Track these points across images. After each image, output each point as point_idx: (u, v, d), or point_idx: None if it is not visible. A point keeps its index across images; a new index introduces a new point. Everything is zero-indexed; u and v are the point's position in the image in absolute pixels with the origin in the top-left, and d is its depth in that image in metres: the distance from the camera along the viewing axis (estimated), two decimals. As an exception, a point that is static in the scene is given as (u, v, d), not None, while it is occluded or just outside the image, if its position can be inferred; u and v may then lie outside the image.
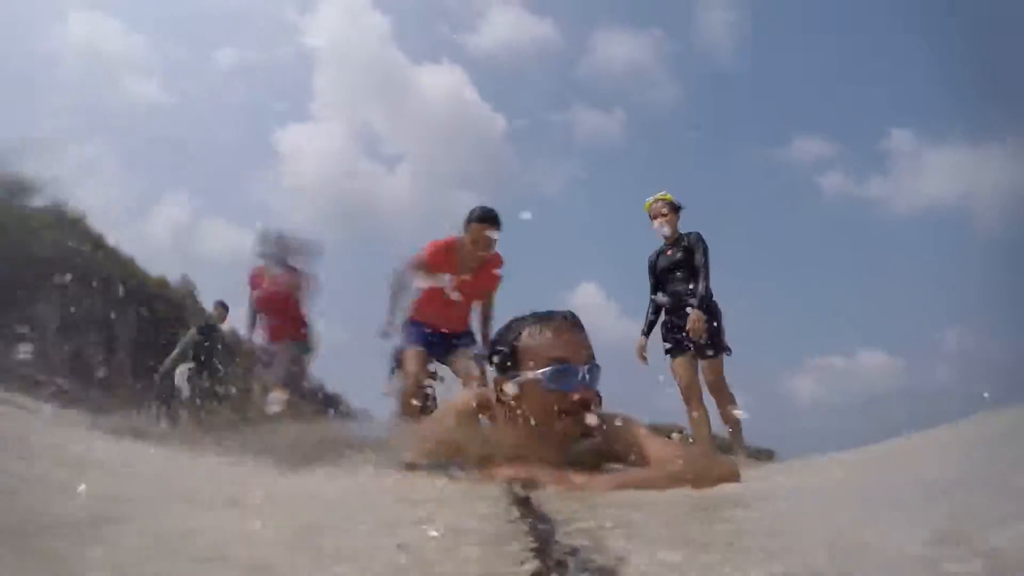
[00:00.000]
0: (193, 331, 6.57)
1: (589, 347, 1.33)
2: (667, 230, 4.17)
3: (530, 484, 1.10)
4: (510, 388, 1.30)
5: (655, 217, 4.20)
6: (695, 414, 3.97)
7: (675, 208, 4.23)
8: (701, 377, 4.02)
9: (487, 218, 3.61)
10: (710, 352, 3.94)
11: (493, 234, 3.60)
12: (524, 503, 0.92)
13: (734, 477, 1.23)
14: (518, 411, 1.28)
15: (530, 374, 1.27)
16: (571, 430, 1.26)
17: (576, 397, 1.25)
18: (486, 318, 3.96)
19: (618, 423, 1.34)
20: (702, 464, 1.24)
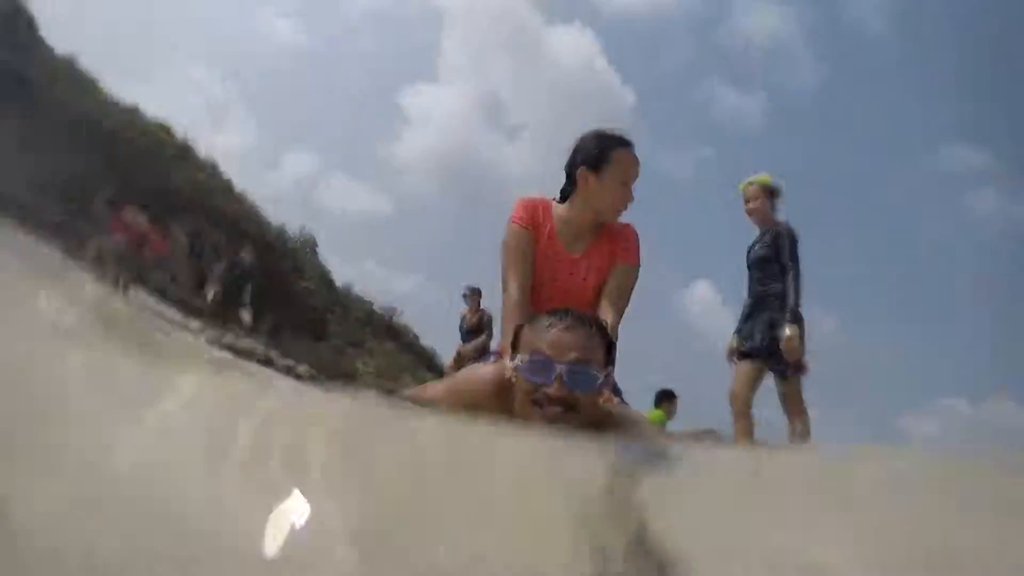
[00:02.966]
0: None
1: (586, 350, 1.36)
2: (754, 218, 3.75)
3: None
4: (507, 367, 1.44)
5: (746, 201, 3.75)
6: (740, 424, 3.57)
7: (769, 192, 3.73)
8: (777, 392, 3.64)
9: (629, 146, 2.08)
10: (789, 372, 3.53)
11: (638, 170, 2.10)
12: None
13: None
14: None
15: (518, 359, 1.39)
16: (544, 422, 1.33)
17: (550, 391, 1.32)
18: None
19: (621, 421, 1.46)
20: None
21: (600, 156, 2.01)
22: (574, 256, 2.07)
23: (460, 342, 7.55)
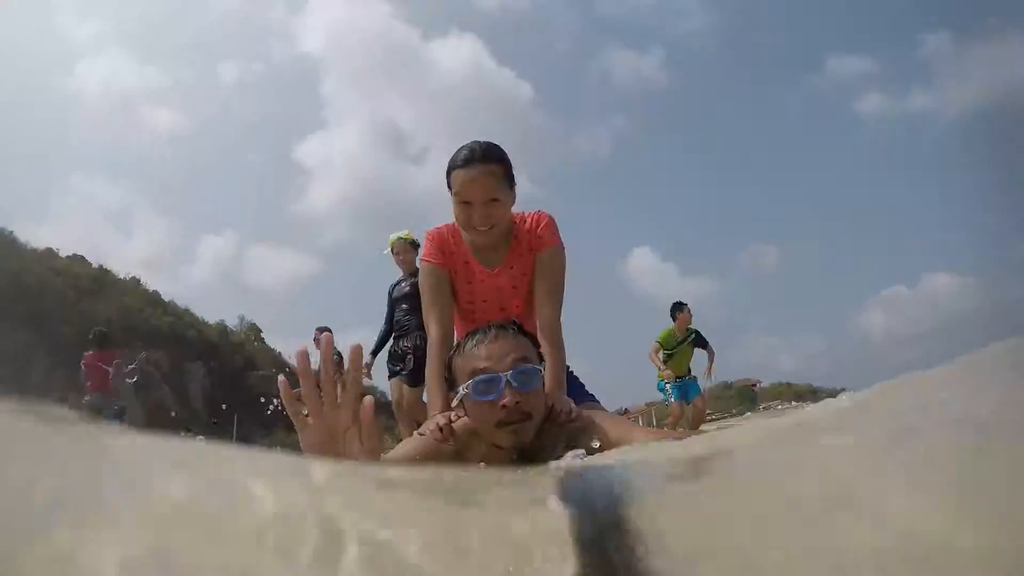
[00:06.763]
0: None
1: (519, 349, 1.35)
2: (403, 267, 4.79)
3: None
4: (453, 406, 1.41)
5: (396, 254, 4.82)
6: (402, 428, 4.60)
7: (415, 245, 4.75)
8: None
9: (467, 160, 1.82)
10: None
11: (484, 182, 1.82)
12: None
13: None
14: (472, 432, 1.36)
15: (461, 389, 1.34)
16: (509, 440, 1.29)
17: (505, 401, 1.28)
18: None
19: (584, 418, 1.41)
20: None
21: (448, 178, 1.87)
22: (494, 272, 1.97)
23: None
